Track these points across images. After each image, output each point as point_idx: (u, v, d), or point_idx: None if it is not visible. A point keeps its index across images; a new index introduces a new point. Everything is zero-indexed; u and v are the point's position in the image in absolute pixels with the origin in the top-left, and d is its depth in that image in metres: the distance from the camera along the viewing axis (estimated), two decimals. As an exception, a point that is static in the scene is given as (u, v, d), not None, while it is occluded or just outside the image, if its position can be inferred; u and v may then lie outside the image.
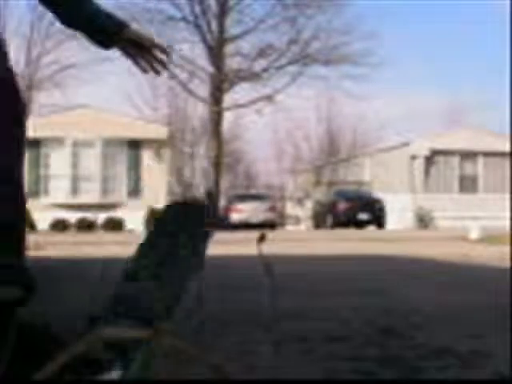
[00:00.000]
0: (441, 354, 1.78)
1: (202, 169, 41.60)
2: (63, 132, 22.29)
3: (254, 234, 2.73)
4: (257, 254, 2.59)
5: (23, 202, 1.74)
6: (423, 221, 25.61)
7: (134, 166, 22.70)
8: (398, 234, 14.02)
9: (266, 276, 3.19)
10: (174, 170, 41.08)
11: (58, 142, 22.35)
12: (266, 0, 28.44)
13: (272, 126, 43.32)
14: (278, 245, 8.41)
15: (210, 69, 27.97)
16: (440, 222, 25.01)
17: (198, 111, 38.33)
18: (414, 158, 27.25)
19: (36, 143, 22.33)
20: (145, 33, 2.04)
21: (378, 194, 25.26)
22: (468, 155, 27.72)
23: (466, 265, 5.26)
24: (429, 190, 27.23)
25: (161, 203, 22.47)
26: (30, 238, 13.59)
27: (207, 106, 28.75)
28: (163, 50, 1.99)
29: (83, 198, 22.38)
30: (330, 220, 24.10)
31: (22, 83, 35.51)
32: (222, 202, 28.58)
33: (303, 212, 30.36)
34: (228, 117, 30.92)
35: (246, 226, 20.89)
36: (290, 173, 40.91)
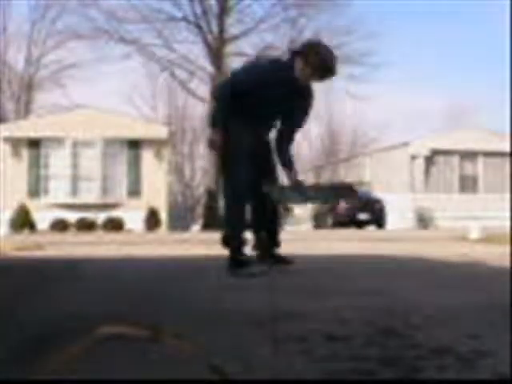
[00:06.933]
0: (440, 354, 1.78)
1: (202, 169, 41.59)
2: (63, 132, 22.30)
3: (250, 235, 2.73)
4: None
5: None
6: (423, 221, 25.62)
7: (134, 166, 22.70)
8: (398, 234, 14.03)
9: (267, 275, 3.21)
10: (174, 169, 41.10)
11: (58, 142, 22.35)
12: (266, 0, 28.47)
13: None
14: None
15: (210, 69, 27.97)
16: (440, 222, 25.01)
17: (198, 111, 38.37)
18: (414, 157, 27.25)
19: (36, 143, 22.33)
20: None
21: (378, 193, 25.26)
22: (468, 155, 27.71)
23: (466, 265, 5.26)
24: (429, 189, 27.22)
25: (161, 203, 22.49)
26: (30, 238, 13.58)
27: (207, 105, 28.75)
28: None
29: (83, 198, 22.38)
30: (330, 220, 24.11)
31: (21, 83, 35.52)
32: (222, 202, 28.56)
33: (303, 212, 30.36)
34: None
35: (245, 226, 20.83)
36: (289, 173, 40.84)
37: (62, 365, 0.91)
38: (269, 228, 4.80)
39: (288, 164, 4.73)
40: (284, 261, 4.68)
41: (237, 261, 4.44)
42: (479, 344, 1.91)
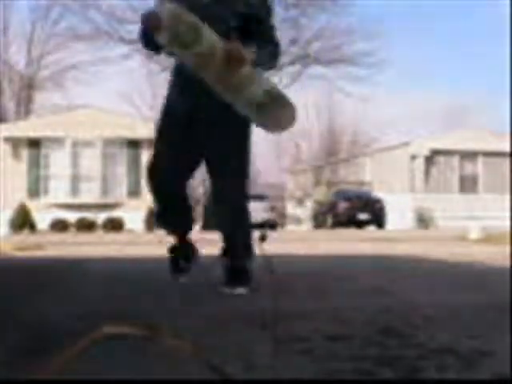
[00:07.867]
0: (440, 354, 1.78)
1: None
2: (63, 132, 22.29)
3: (255, 234, 2.74)
4: (258, 254, 2.57)
5: None
6: (423, 221, 25.61)
7: (134, 166, 22.69)
8: (398, 234, 14.02)
9: (268, 275, 3.23)
10: (174, 170, 41.10)
11: (58, 142, 22.35)
12: (266, 0, 28.42)
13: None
14: (278, 245, 8.41)
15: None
16: (440, 222, 25.01)
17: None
18: (414, 157, 27.25)
19: (36, 143, 22.33)
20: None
21: (378, 193, 25.26)
22: (468, 155, 27.72)
23: (466, 265, 5.26)
24: (429, 190, 27.22)
25: (161, 203, 22.49)
26: (30, 238, 13.56)
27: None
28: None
29: (83, 198, 22.38)
30: (330, 220, 24.10)
31: (22, 83, 35.53)
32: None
33: (303, 212, 30.36)
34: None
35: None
36: (289, 172, 40.91)
37: (62, 365, 0.91)
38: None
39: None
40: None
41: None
42: (479, 344, 1.90)
